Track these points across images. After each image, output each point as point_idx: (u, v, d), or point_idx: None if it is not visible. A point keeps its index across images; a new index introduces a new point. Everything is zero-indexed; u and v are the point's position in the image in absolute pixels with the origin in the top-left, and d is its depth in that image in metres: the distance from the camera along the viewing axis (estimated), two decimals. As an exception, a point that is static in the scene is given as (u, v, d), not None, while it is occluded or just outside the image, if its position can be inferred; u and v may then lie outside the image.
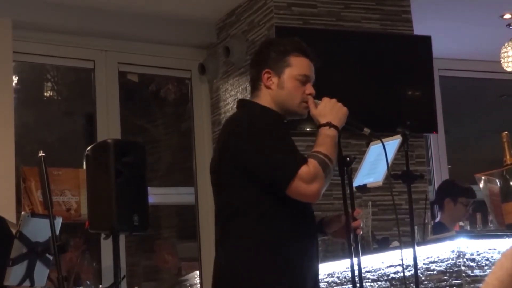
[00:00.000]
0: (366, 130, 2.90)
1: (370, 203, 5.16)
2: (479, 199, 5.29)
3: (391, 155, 3.11)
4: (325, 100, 2.87)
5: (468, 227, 5.05)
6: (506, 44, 6.73)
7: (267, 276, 2.66)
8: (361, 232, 2.89)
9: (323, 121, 2.82)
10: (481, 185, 4.85)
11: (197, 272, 6.85)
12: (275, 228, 2.72)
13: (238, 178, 2.74)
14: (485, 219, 4.95)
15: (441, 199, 5.49)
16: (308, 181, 2.66)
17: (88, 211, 4.08)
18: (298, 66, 2.90)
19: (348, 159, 2.82)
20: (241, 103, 3.02)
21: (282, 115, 2.89)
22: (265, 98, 2.89)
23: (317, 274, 2.85)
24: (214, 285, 2.78)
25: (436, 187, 7.04)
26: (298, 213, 2.79)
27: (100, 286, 5.72)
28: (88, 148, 4.07)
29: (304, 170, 2.66)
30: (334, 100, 2.87)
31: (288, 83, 2.88)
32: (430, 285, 4.30)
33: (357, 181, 3.13)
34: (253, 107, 2.91)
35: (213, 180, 2.87)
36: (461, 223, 5.26)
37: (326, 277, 5.02)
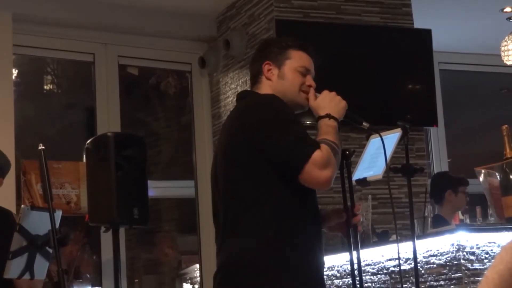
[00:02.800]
0: (365, 124, 2.90)
1: (370, 196, 5.16)
2: (479, 193, 5.30)
3: (391, 149, 3.11)
4: (325, 92, 2.88)
5: (468, 221, 5.06)
6: (507, 37, 6.72)
7: (284, 268, 2.65)
8: (361, 230, 2.89)
9: (322, 113, 2.82)
10: (481, 179, 4.85)
11: (197, 266, 6.86)
12: (292, 219, 2.70)
13: (253, 168, 2.71)
14: (485, 212, 4.96)
15: (441, 193, 5.50)
16: (321, 166, 2.63)
17: (88, 204, 4.07)
18: (298, 58, 2.93)
19: (347, 152, 2.83)
20: (243, 94, 3.01)
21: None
22: (265, 90, 2.89)
23: (324, 265, 2.86)
24: (226, 278, 2.73)
25: (436, 180, 7.03)
26: (310, 205, 2.78)
27: None
28: (88, 141, 4.06)
29: (317, 154, 2.64)
30: (333, 93, 2.88)
31: (288, 73, 2.90)
32: (429, 278, 4.31)
33: (357, 175, 3.13)
34: (257, 95, 2.90)
35: (223, 170, 2.80)
36: (461, 217, 5.27)
37: (326, 271, 5.03)
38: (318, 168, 2.64)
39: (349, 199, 2.83)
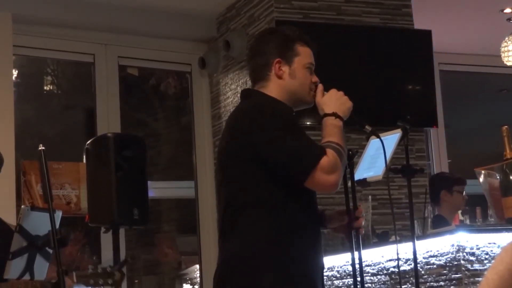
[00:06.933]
0: (368, 128, 2.88)
1: (370, 197, 5.16)
2: (479, 193, 5.30)
3: (391, 149, 3.11)
4: (332, 91, 2.86)
5: (468, 221, 5.06)
6: (507, 38, 6.73)
7: (280, 268, 2.65)
8: (363, 232, 2.88)
9: (328, 110, 2.79)
10: (481, 179, 4.86)
11: (197, 266, 6.86)
12: (287, 220, 2.70)
13: (251, 169, 2.70)
14: (485, 213, 4.96)
15: (437, 193, 5.49)
16: (328, 172, 2.63)
17: (88, 205, 4.08)
18: (305, 55, 2.89)
19: (350, 152, 2.81)
20: (247, 93, 2.98)
21: (290, 107, 2.86)
22: (274, 88, 2.85)
23: (323, 267, 2.85)
24: (223, 277, 2.73)
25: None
26: (308, 205, 2.78)
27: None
28: (88, 142, 4.07)
29: (325, 160, 2.63)
30: (341, 92, 2.86)
31: (299, 72, 2.86)
32: (429, 279, 4.31)
33: (357, 175, 3.13)
34: (262, 97, 2.86)
35: (222, 171, 2.82)
36: (461, 217, 5.27)
37: (326, 271, 5.03)
38: (325, 173, 2.63)
39: (351, 200, 2.83)
